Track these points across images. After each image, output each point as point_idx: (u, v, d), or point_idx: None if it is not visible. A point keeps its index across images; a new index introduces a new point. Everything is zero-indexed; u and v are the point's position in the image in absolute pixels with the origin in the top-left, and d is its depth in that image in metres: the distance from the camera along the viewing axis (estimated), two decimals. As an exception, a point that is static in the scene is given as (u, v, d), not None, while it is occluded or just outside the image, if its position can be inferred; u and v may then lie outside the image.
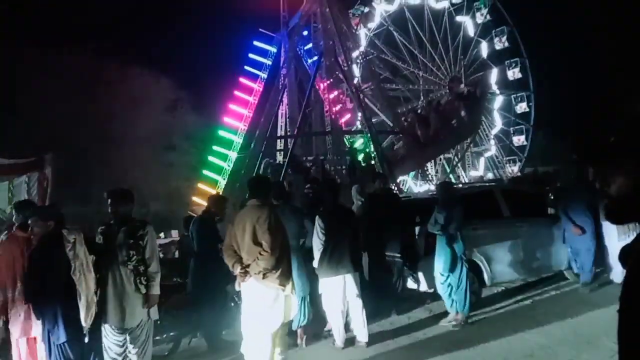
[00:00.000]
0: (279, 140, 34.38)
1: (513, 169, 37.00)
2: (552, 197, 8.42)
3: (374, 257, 6.92)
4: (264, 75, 34.07)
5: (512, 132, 37.86)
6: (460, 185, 11.95)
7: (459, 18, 37.54)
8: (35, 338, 4.82)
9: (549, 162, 27.14)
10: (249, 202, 4.75)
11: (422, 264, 6.82)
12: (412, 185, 33.67)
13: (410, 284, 7.12)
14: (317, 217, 5.83)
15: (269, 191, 5.14)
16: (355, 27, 35.37)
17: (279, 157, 33.40)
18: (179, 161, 29.48)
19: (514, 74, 36.88)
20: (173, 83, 29.78)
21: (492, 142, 38.09)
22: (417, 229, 6.96)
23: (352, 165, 21.26)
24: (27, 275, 4.65)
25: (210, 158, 32.19)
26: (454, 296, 6.22)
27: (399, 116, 32.48)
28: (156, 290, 4.64)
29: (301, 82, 33.67)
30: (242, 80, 33.85)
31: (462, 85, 33.22)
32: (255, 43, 33.95)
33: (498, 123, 38.28)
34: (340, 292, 5.73)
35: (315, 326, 6.13)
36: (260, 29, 34.08)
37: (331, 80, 31.74)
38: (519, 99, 37.23)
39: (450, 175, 34.96)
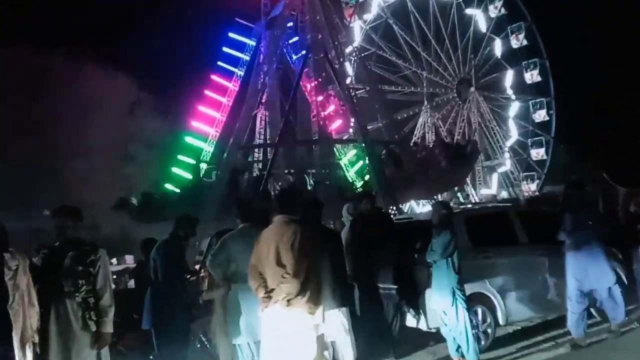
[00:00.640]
0: (256, 150, 34.47)
1: (531, 187, 37.45)
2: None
3: (365, 288, 6.92)
4: (240, 72, 34.26)
5: (530, 144, 38.40)
6: (470, 206, 12.06)
7: (469, 11, 38.17)
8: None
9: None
10: (276, 218, 4.82)
11: (424, 298, 6.84)
12: (414, 205, 33.88)
13: (410, 321, 7.12)
14: None
15: (304, 206, 5.29)
16: (348, 19, 35.81)
17: (256, 169, 33.47)
18: (136, 174, 29.31)
19: (532, 76, 37.50)
20: (131, 81, 29.74)
21: (507, 155, 38.57)
22: (416, 256, 7.00)
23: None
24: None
25: (175, 170, 32.09)
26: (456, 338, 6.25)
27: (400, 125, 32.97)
28: (108, 327, 4.59)
29: (284, 82, 33.88)
30: (215, 77, 34.00)
31: (456, 138, 34.19)
32: (231, 35, 34.21)
33: (514, 133, 38.80)
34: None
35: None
36: (236, 19, 34.34)
37: (320, 79, 31.99)
38: (538, 106, 37.83)
39: (458, 194, 35.28)
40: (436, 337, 7.12)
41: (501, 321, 7.17)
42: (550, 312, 7.79)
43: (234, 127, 31.74)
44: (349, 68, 34.11)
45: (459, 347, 6.28)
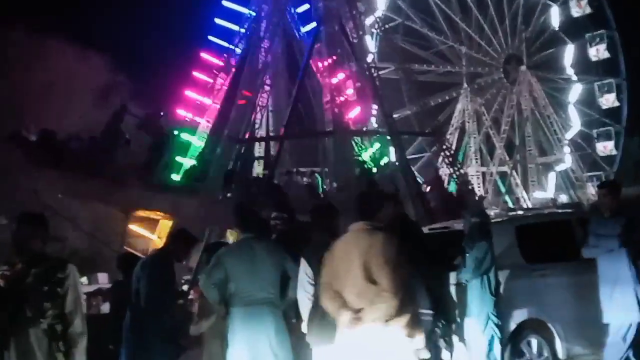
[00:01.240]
0: (257, 144, 34.53)
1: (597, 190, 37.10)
2: None
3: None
4: (238, 50, 34.29)
5: (595, 136, 38.11)
6: (521, 212, 12.03)
7: (519, -29, 37.99)
8: None
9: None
10: (352, 226, 4.87)
11: (459, 325, 6.86)
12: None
13: (445, 353, 7.13)
14: (302, 259, 5.83)
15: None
16: (369, -18, 35.77)
17: (258, 167, 33.58)
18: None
19: (598, 52, 37.22)
20: (104, 61, 29.86)
21: (567, 150, 38.27)
22: (453, 274, 7.01)
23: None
24: None
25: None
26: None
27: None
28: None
29: (291, 60, 33.91)
30: (205, 56, 34.06)
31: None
32: (225, 3, 34.26)
33: (575, 123, 38.49)
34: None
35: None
36: (232, -17, 34.41)
37: (334, 57, 31.99)
38: (606, 89, 37.53)
39: (507, 197, 35.12)
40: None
41: (561, 355, 7.16)
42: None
43: (229, 117, 31.84)
44: (370, 43, 34.06)
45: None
